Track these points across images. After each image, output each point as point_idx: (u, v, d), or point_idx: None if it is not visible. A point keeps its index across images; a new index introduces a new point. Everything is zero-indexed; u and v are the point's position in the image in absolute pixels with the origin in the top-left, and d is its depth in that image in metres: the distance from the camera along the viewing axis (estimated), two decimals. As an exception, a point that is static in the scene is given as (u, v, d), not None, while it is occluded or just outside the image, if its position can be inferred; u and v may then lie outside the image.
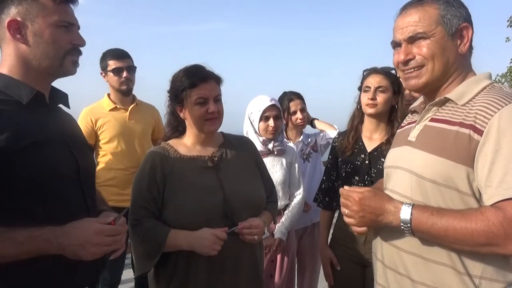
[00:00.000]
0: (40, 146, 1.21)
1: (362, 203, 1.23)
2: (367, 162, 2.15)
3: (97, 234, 1.17)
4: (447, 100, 1.25)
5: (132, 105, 2.88)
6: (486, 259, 1.14)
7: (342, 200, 1.31)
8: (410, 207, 1.16)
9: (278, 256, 2.48)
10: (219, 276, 1.65)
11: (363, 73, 2.25)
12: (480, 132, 1.11)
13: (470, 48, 1.27)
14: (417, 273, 1.22)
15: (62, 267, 1.20)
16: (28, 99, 1.24)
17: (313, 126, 3.22)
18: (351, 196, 1.26)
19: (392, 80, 2.14)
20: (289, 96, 2.94)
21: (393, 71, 2.18)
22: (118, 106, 2.84)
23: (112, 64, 2.80)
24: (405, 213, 1.15)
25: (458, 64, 1.25)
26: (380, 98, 2.11)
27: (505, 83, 16.19)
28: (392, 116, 2.17)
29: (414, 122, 1.39)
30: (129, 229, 1.67)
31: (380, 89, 2.11)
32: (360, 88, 2.22)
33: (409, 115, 1.54)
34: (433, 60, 1.23)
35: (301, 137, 3.00)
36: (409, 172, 1.26)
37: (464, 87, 1.23)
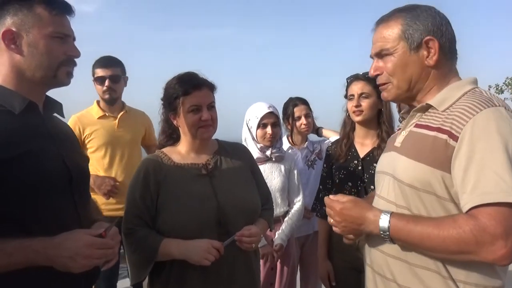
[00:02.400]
0: (32, 156, 1.21)
1: (343, 213, 1.26)
2: (360, 168, 2.16)
3: (87, 246, 1.16)
4: (429, 106, 1.25)
5: (122, 113, 2.83)
6: (470, 264, 1.12)
7: (326, 209, 1.34)
8: (389, 215, 1.17)
9: (278, 264, 2.46)
10: (214, 285, 1.63)
11: (346, 81, 2.27)
12: (456, 138, 1.11)
13: (450, 56, 1.28)
14: (403, 278, 1.21)
15: (54, 277, 1.19)
16: (21, 109, 1.24)
17: (319, 135, 3.22)
18: (333, 206, 1.29)
19: (374, 85, 2.15)
20: (294, 102, 2.96)
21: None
22: (107, 114, 2.80)
23: (97, 72, 2.77)
24: (384, 221, 1.17)
25: (427, 75, 1.26)
26: (365, 103, 2.13)
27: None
28: (380, 120, 2.18)
29: (399, 128, 1.40)
30: (122, 238, 1.67)
31: (363, 95, 2.14)
32: (346, 96, 2.25)
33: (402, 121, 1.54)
34: (396, 75, 1.27)
35: (306, 143, 2.99)
36: (392, 177, 1.27)
37: (445, 93, 1.24)
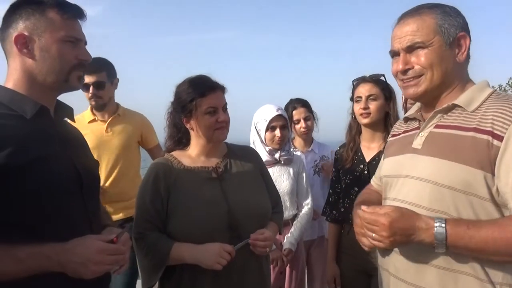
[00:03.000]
0: (43, 161, 1.20)
1: (393, 227, 1.15)
2: (366, 172, 2.14)
3: (99, 252, 1.15)
4: (454, 106, 1.24)
5: (112, 117, 2.75)
6: (506, 266, 1.13)
7: (365, 224, 1.22)
8: (443, 223, 1.12)
9: (287, 268, 2.44)
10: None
11: (352, 83, 2.24)
12: (500, 138, 1.11)
13: (468, 57, 1.27)
14: (435, 283, 1.19)
15: (65, 283, 1.17)
16: (32, 114, 1.24)
17: None
18: (379, 221, 1.17)
19: (382, 87, 2.14)
20: (293, 104, 2.90)
21: (382, 78, 2.18)
22: (96, 118, 2.76)
23: (84, 78, 2.73)
24: (439, 229, 1.11)
25: (456, 73, 1.25)
26: (373, 106, 2.11)
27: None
28: (387, 122, 2.16)
29: (412, 130, 1.37)
30: (133, 242, 1.66)
31: (371, 97, 2.12)
32: (352, 99, 2.23)
33: (400, 123, 1.52)
34: (432, 69, 1.23)
35: (311, 146, 2.95)
36: (421, 180, 1.23)
37: (470, 93, 1.24)
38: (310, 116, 2.90)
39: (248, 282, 1.67)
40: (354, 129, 2.25)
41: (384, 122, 2.16)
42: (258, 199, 1.76)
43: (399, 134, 1.46)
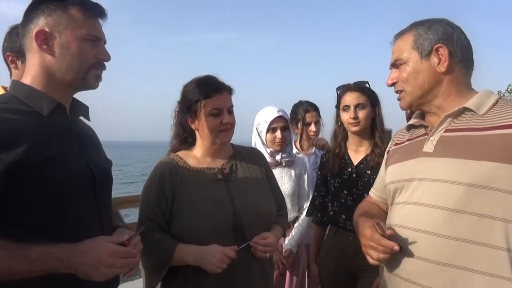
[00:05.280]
0: (58, 160, 1.19)
1: None
2: (354, 175, 2.17)
3: (111, 255, 1.13)
4: (464, 110, 1.28)
5: None
6: None
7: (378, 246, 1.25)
8: None
9: (288, 271, 2.42)
10: None
11: (337, 91, 2.27)
12: None
13: (465, 64, 1.32)
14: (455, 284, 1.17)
15: (74, 285, 1.15)
16: (49, 111, 1.23)
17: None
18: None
19: (368, 95, 2.18)
20: (306, 107, 2.92)
21: (367, 85, 2.22)
22: None
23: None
24: None
25: (440, 81, 1.31)
26: (361, 114, 2.15)
27: None
28: (373, 127, 2.20)
29: (418, 136, 1.40)
30: None
31: (359, 106, 2.15)
32: (338, 106, 2.24)
33: (402, 132, 1.53)
34: (409, 82, 1.34)
35: (314, 148, 2.97)
36: (439, 181, 1.23)
37: (478, 99, 1.28)
38: (319, 120, 2.95)
39: (252, 284, 1.65)
40: (340, 136, 2.27)
41: (370, 127, 2.20)
42: (263, 201, 1.74)
43: (402, 142, 1.47)
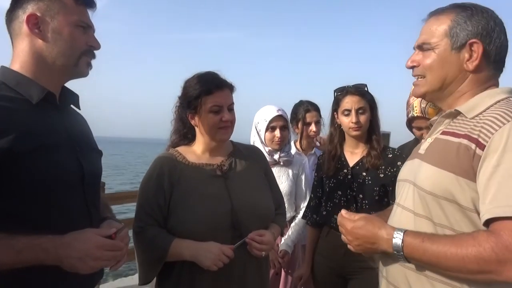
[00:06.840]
0: (47, 150, 1.17)
1: (354, 232, 1.24)
2: (349, 176, 2.16)
3: (97, 248, 1.13)
4: (459, 113, 1.21)
5: None
6: (492, 285, 1.05)
7: (339, 227, 1.32)
8: (402, 233, 1.13)
9: (283, 270, 2.42)
10: (224, 287, 1.60)
11: (334, 93, 2.24)
12: (482, 147, 1.07)
13: (495, 66, 1.21)
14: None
15: (58, 277, 1.14)
16: (39, 99, 1.21)
17: None
18: (344, 224, 1.28)
19: (368, 99, 2.17)
20: (306, 107, 2.91)
21: (366, 88, 2.20)
22: None
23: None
24: (397, 240, 1.13)
25: (463, 79, 1.21)
26: (362, 119, 2.13)
27: None
28: (369, 129, 2.19)
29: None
30: (133, 236, 1.63)
31: (360, 110, 2.13)
32: (335, 110, 2.22)
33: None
34: (432, 71, 1.23)
35: (314, 149, 2.96)
36: (413, 185, 1.23)
37: (476, 100, 1.19)
38: (320, 120, 2.93)
39: (248, 281, 1.65)
40: (337, 138, 2.25)
41: (367, 130, 2.19)
42: (262, 199, 1.74)
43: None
